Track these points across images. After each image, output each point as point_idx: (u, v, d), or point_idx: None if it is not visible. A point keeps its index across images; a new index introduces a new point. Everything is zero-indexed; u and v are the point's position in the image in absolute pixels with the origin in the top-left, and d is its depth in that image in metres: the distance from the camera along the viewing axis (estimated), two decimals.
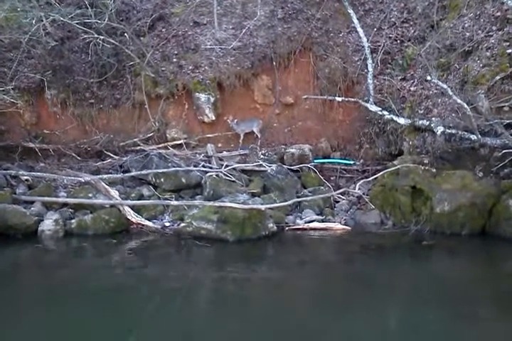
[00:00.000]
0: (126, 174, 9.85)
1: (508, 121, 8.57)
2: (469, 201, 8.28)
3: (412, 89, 10.08)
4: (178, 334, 5.24)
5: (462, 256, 7.94)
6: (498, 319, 5.56)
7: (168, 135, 11.03)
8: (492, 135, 8.56)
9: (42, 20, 10.21)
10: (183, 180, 9.73)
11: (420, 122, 9.31)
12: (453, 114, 9.17)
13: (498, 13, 9.48)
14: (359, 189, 9.41)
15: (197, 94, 10.83)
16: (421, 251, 8.08)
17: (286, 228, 8.83)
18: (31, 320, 5.57)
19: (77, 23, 10.32)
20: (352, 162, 10.47)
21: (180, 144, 10.77)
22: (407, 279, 6.94)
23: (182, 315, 5.72)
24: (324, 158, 10.65)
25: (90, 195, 9.21)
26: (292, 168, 10.10)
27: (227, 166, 9.96)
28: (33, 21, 10.04)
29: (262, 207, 8.51)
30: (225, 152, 10.72)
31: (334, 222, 9.03)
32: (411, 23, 10.81)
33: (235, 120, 10.81)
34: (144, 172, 9.75)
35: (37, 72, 10.93)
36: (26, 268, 7.57)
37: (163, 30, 11.56)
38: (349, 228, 8.86)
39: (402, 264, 7.54)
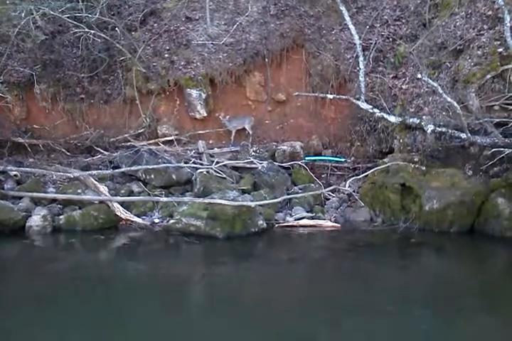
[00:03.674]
0: (116, 170, 9.79)
1: (497, 120, 8.62)
2: (458, 199, 8.32)
3: (403, 87, 10.09)
4: (164, 330, 5.21)
5: (450, 254, 8.00)
6: (484, 315, 5.59)
7: (159, 131, 10.99)
8: (482, 133, 8.58)
9: (32, 14, 10.10)
10: (174, 177, 9.69)
11: (411, 120, 9.32)
12: (443, 113, 9.20)
13: (490, 12, 9.51)
14: (349, 186, 9.41)
15: (188, 90, 10.78)
16: (409, 249, 8.11)
17: (276, 225, 8.82)
18: (17, 316, 5.53)
19: (67, 17, 10.23)
20: (343, 159, 10.46)
21: (171, 140, 10.72)
22: (396, 276, 6.95)
23: (169, 311, 5.69)
24: (315, 155, 10.64)
25: (79, 190, 9.17)
26: (283, 165, 10.09)
27: (217, 163, 9.92)
28: (23, 14, 9.92)
29: (252, 204, 8.48)
30: (216, 148, 10.69)
31: (324, 219, 9.03)
32: (403, 21, 10.80)
33: (227, 117, 10.78)
34: (133, 168, 9.70)
35: (27, 66, 10.84)
36: (13, 264, 7.48)
37: (155, 25, 11.48)
38: (339, 225, 8.87)
39: (390, 261, 7.55)
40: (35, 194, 9.07)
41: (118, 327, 5.36)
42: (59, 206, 9.03)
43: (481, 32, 9.54)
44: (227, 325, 5.36)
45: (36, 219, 8.46)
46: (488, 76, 9.03)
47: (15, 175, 9.60)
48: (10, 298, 6.08)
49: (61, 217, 8.67)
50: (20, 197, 9.01)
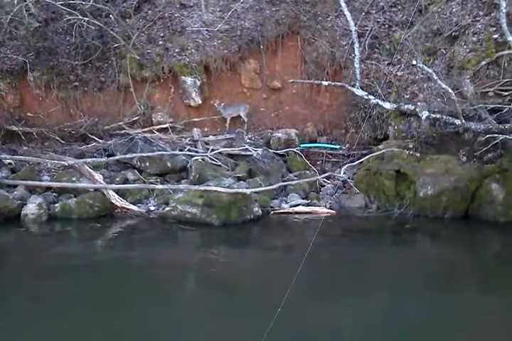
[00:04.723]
0: (111, 158, 9.78)
1: (492, 106, 8.63)
2: (452, 185, 8.36)
3: (398, 73, 10.06)
4: (159, 316, 5.25)
5: (445, 239, 8.05)
6: (478, 300, 5.65)
7: (153, 119, 10.95)
8: (476, 120, 8.60)
9: (25, 1, 10.06)
10: (169, 164, 9.69)
11: (406, 107, 9.32)
12: (438, 99, 9.20)
13: None
14: (344, 173, 9.43)
15: (183, 77, 10.73)
16: (404, 235, 8.16)
17: (272, 212, 8.85)
18: (12, 304, 5.57)
19: (61, 4, 10.16)
20: (338, 146, 10.47)
21: (166, 128, 10.68)
22: (391, 262, 7.00)
23: (164, 298, 5.73)
24: (310, 142, 10.63)
25: (74, 178, 9.17)
26: (278, 152, 10.10)
27: (213, 150, 9.92)
28: (15, 1, 9.89)
29: (248, 191, 8.51)
30: (211, 136, 10.67)
31: (319, 206, 9.06)
32: (399, 7, 10.74)
33: (222, 104, 10.74)
34: (128, 156, 9.69)
35: (20, 54, 10.76)
36: (9, 253, 7.52)
37: (149, 12, 11.39)
38: (334, 212, 8.90)
39: (385, 247, 7.61)
40: (29, 182, 9.06)
41: (114, 314, 5.38)
42: (54, 194, 9.03)
43: (477, 18, 9.51)
44: (222, 311, 5.39)
45: (32, 208, 8.46)
46: (483, 62, 9.02)
47: (9, 164, 9.59)
48: (5, 285, 6.09)
49: (56, 205, 8.68)
50: (15, 186, 9.00)
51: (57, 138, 10.59)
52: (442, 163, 8.61)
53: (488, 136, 8.16)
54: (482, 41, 9.17)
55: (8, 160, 9.58)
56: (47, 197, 8.85)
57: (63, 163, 9.45)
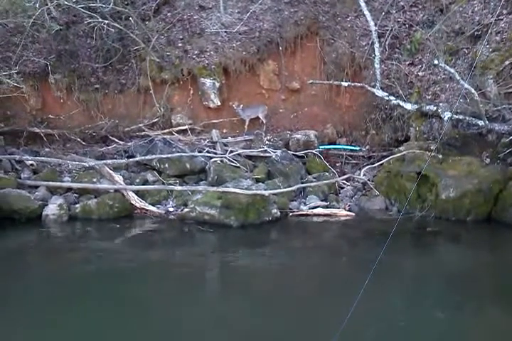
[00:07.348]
0: (131, 159, 9.86)
1: None
2: (475, 187, 8.19)
3: (419, 74, 9.94)
4: (180, 318, 5.25)
5: (467, 243, 7.90)
6: (501, 305, 5.52)
7: (173, 120, 11.00)
8: (500, 121, 8.44)
9: (46, 4, 10.21)
10: (188, 166, 9.71)
11: (427, 108, 9.20)
12: (461, 100, 9.00)
13: None
14: (364, 175, 9.35)
15: (202, 79, 10.76)
16: (425, 238, 8.02)
17: (290, 214, 8.79)
18: (36, 304, 5.61)
19: (82, 7, 10.30)
20: (358, 148, 10.38)
21: (185, 130, 10.73)
22: (412, 265, 6.91)
23: (185, 300, 5.73)
24: (330, 144, 10.57)
25: (95, 179, 9.23)
26: (297, 153, 10.05)
27: (231, 152, 9.92)
28: (37, 5, 10.03)
29: (266, 193, 8.47)
30: (230, 138, 10.67)
31: (338, 208, 8.96)
32: (420, 6, 10.62)
33: (241, 106, 10.74)
34: (148, 157, 9.75)
35: (42, 57, 10.90)
36: (30, 252, 7.61)
37: (169, 14, 11.47)
38: (353, 214, 8.81)
39: (406, 250, 7.46)
40: (51, 183, 9.16)
41: (133, 314, 5.40)
42: (75, 195, 9.11)
43: (500, 17, 9.35)
44: (242, 312, 5.38)
45: (53, 208, 8.55)
46: (507, 62, 8.86)
47: (31, 165, 9.71)
48: (26, 285, 6.16)
49: (77, 205, 8.76)
50: (37, 186, 9.10)
51: (79, 139, 10.69)
52: (465, 164, 8.46)
53: None
54: (505, 40, 9.02)
55: (30, 162, 9.70)
56: (68, 198, 8.95)
57: (84, 164, 9.55)
